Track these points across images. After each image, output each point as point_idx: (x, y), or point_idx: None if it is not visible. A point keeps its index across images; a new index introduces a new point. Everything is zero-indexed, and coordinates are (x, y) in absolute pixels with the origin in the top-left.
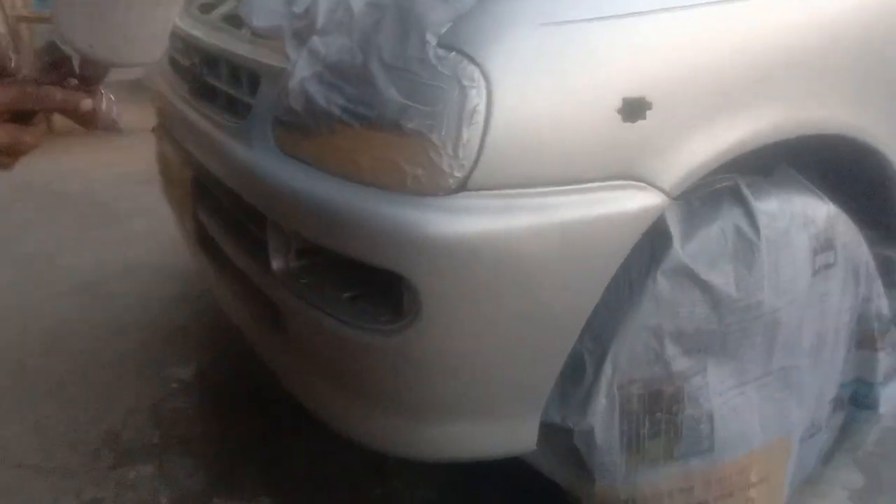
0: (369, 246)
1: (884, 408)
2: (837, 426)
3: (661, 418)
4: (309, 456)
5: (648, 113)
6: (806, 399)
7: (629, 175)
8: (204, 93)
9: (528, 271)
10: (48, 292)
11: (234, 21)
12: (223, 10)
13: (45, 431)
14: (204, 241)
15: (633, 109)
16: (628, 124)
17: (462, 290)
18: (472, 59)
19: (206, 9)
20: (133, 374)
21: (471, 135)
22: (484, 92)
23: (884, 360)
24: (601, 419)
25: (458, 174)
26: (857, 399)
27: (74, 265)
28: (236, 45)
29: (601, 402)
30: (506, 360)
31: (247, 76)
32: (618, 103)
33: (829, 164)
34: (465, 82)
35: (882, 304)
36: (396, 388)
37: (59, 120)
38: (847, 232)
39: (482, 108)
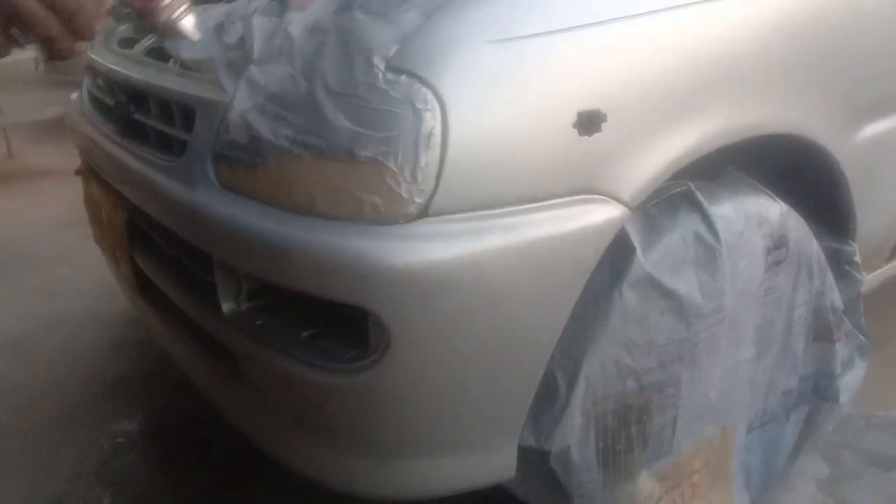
0: (330, 281)
1: (843, 398)
2: (801, 420)
3: (633, 431)
4: None
5: (604, 125)
6: (754, 390)
7: (590, 189)
8: (133, 132)
9: (499, 294)
10: None
11: (160, 55)
12: (146, 44)
13: None
14: (144, 288)
15: (589, 122)
16: (585, 137)
17: (432, 319)
18: (423, 82)
19: (126, 44)
20: (73, 433)
21: (429, 159)
22: (438, 114)
23: (841, 350)
24: (577, 438)
25: (419, 200)
26: (819, 391)
27: None
28: (166, 80)
29: (576, 420)
30: (481, 388)
31: (180, 111)
32: (573, 117)
33: (770, 163)
34: (419, 105)
35: (834, 296)
36: (368, 428)
37: None
38: (798, 228)
39: (438, 130)
